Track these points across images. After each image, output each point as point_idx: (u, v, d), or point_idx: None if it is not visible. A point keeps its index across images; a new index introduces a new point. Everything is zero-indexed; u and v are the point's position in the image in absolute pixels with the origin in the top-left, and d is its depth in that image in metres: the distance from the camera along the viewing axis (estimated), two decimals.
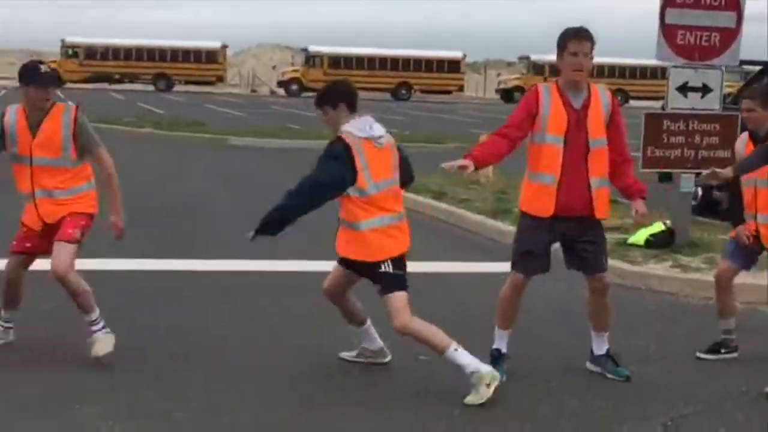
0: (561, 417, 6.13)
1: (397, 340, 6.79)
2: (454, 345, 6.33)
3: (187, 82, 72.24)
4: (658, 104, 67.33)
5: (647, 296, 9.71)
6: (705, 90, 11.07)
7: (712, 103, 11.16)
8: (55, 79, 7.01)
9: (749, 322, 8.36)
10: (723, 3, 10.95)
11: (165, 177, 18.44)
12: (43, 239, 6.91)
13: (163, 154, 22.98)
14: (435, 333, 6.40)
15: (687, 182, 11.34)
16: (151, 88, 69.87)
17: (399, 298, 6.45)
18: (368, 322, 7.08)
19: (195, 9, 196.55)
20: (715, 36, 11.01)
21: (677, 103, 11.11)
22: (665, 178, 13.48)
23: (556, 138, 6.63)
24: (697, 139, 11.14)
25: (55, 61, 70.52)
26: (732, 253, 7.55)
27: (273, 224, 6.46)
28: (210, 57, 72.28)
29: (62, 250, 6.71)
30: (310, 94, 69.21)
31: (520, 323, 7.03)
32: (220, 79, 74.01)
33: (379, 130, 6.56)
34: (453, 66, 72.31)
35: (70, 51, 70.22)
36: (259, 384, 6.55)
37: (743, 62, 12.74)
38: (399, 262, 6.50)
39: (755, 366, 7.30)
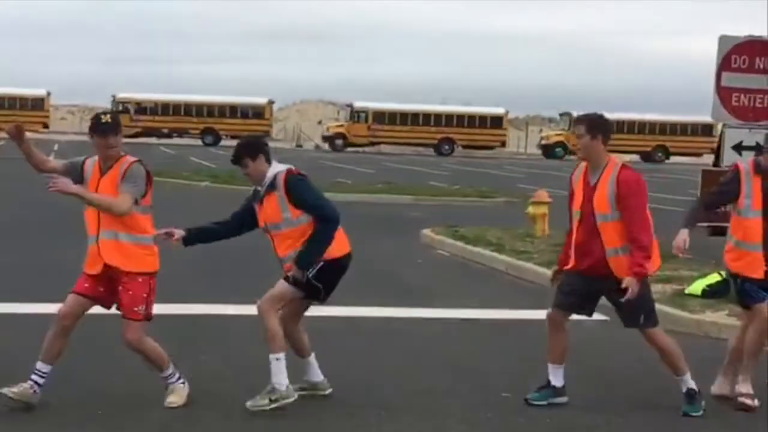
0: None
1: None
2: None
3: (234, 137, 73.47)
4: (698, 161, 68.18)
5: (704, 342, 10.28)
6: (758, 148, 11.70)
7: None
8: (114, 127, 7.17)
9: None
10: None
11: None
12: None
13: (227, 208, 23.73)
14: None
15: None
16: (198, 142, 71.24)
17: None
18: (312, 355, 7.70)
19: (239, 65, 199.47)
20: None
21: (732, 160, 11.75)
22: (717, 233, 14.08)
23: (574, 212, 7.54)
24: None
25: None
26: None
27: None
28: (256, 112, 73.68)
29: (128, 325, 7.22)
30: (354, 149, 70.45)
31: None
32: (267, 133, 75.27)
33: None
34: (496, 122, 73.21)
35: (121, 107, 71.77)
36: None
37: None
38: None
39: None
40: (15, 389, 7.06)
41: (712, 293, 11.75)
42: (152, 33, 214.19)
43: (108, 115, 7.28)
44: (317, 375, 7.73)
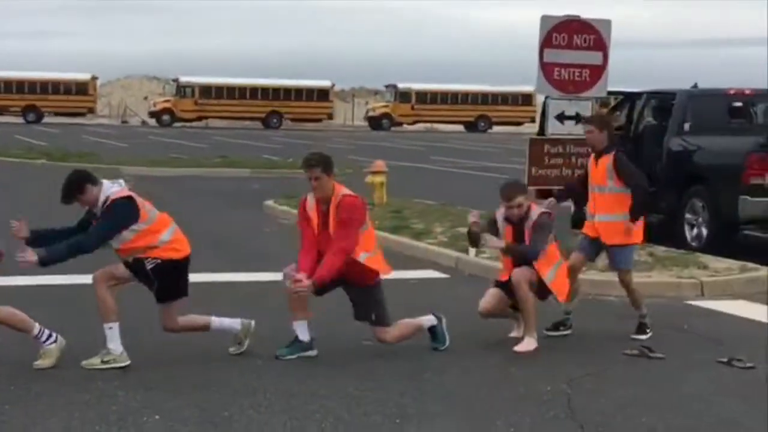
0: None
1: None
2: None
3: (57, 114, 72.24)
4: (518, 129, 70.70)
5: None
6: (578, 118, 12.93)
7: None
8: None
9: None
10: (591, 44, 12.86)
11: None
12: None
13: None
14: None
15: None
16: (20, 120, 69.68)
17: None
18: (212, 319, 8.46)
19: (58, 40, 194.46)
20: (586, 72, 12.91)
21: (556, 129, 12.95)
22: (541, 196, 15.36)
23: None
24: (573, 160, 12.96)
25: None
26: (581, 247, 9.50)
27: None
28: (80, 89, 72.45)
29: None
30: (182, 124, 70.23)
31: None
32: (91, 110, 74.22)
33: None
34: (322, 95, 74.12)
35: None
36: None
37: (610, 92, 14.71)
38: None
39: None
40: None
41: None
42: None
43: None
44: (233, 327, 8.45)
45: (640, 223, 9.42)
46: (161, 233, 8.05)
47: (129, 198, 7.96)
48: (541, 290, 8.91)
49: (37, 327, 7.96)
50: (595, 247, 9.53)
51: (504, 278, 9.06)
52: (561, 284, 8.98)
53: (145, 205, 8.06)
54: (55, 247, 7.83)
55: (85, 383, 7.48)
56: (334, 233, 8.22)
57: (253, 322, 8.53)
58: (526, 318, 8.90)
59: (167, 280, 8.08)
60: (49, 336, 7.96)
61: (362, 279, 8.39)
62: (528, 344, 8.79)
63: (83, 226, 8.11)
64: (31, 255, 7.71)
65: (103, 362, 7.87)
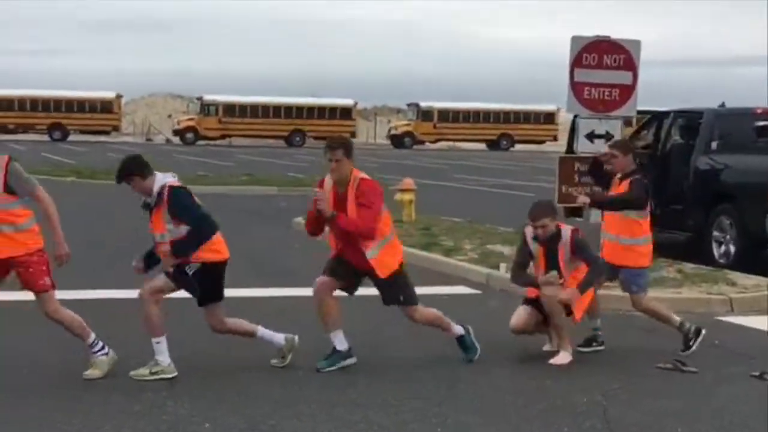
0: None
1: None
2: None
3: (82, 132, 72.88)
4: (540, 148, 70.86)
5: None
6: (608, 137, 13.11)
7: None
8: None
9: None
10: (621, 64, 13.05)
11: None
12: None
13: (105, 203, 24.26)
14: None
15: (596, 215, 13.32)
16: (45, 138, 70.31)
17: None
18: (259, 328, 8.67)
19: (81, 58, 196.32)
20: (616, 91, 13.10)
21: (585, 147, 13.13)
22: (571, 214, 15.59)
23: None
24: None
25: None
26: None
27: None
28: (105, 107, 73.10)
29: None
30: (205, 142, 70.69)
31: None
32: (116, 128, 74.86)
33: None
34: (345, 113, 74.53)
35: None
36: None
37: (639, 112, 14.90)
38: None
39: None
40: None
41: None
42: None
43: None
44: (278, 340, 8.64)
45: (649, 246, 9.65)
46: None
47: (185, 187, 8.29)
48: (568, 307, 9.10)
49: (92, 336, 8.20)
50: (612, 267, 9.66)
51: (532, 294, 9.24)
52: (582, 302, 9.13)
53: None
54: (178, 246, 8.10)
55: (135, 393, 7.70)
56: (358, 215, 8.40)
57: (297, 337, 8.72)
58: (559, 332, 9.09)
59: (207, 283, 8.27)
60: (102, 347, 8.20)
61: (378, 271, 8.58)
62: (563, 357, 8.97)
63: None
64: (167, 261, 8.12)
65: (151, 373, 8.09)
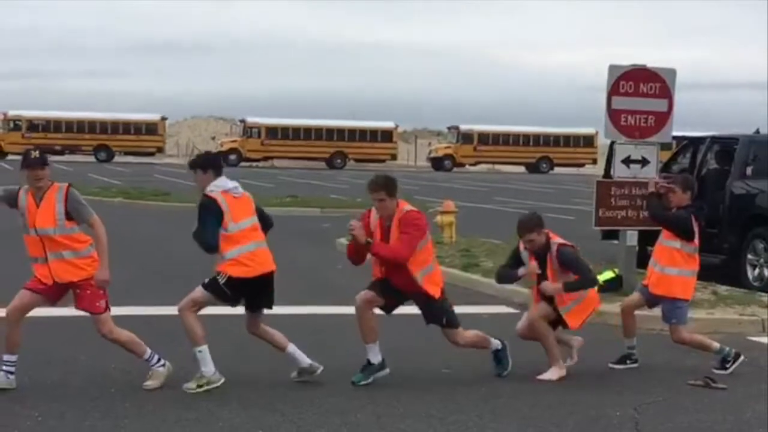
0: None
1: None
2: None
3: (127, 153, 74.00)
4: (579, 171, 70.97)
5: (603, 329, 11.97)
6: (644, 162, 13.50)
7: (650, 173, 13.58)
8: (41, 161, 8.23)
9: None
10: (657, 92, 13.47)
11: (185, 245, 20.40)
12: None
13: (153, 223, 24.88)
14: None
15: (632, 238, 13.71)
16: (91, 159, 71.43)
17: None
18: (290, 346, 9.01)
19: (129, 81, 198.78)
20: (652, 118, 13.50)
21: (622, 172, 13.52)
22: (607, 237, 15.98)
23: None
24: (639, 202, 13.49)
25: None
26: (641, 290, 10.07)
27: None
28: (150, 129, 74.20)
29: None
30: (248, 163, 71.47)
31: None
32: (160, 149, 75.90)
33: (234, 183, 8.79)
34: (386, 135, 75.14)
35: (12, 124, 71.55)
36: None
37: (675, 137, 15.29)
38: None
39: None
40: None
41: (607, 288, 13.48)
42: (30, 48, 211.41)
43: (36, 151, 8.35)
44: (303, 361, 9.01)
45: (692, 280, 9.93)
46: (235, 247, 8.58)
47: (211, 199, 8.58)
48: (558, 321, 9.49)
49: (148, 351, 8.70)
50: (648, 294, 9.97)
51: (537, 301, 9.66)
52: (575, 314, 9.45)
53: (233, 214, 8.59)
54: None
55: (192, 402, 8.20)
56: (394, 242, 8.84)
57: (321, 368, 9.04)
58: (548, 350, 9.47)
59: (241, 293, 8.66)
60: (158, 360, 8.70)
61: (425, 295, 9.00)
62: (552, 373, 9.38)
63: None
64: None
65: (198, 386, 8.52)
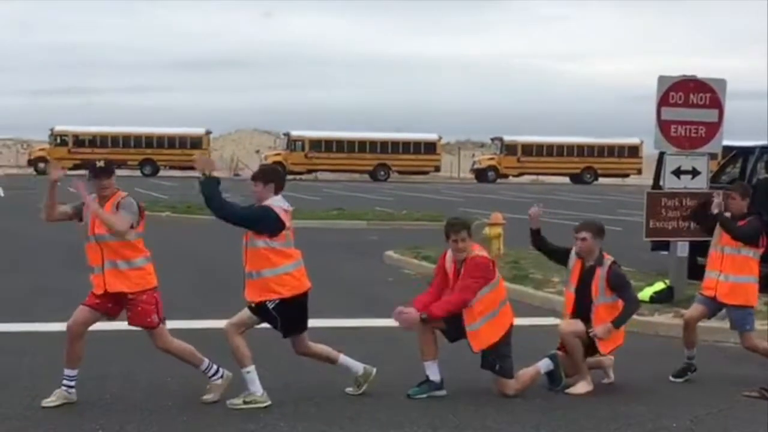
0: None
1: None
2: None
3: (173, 168, 74.51)
4: (624, 181, 70.53)
5: (655, 340, 11.98)
6: (694, 173, 13.48)
7: (700, 183, 13.57)
8: (107, 171, 8.44)
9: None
10: (707, 102, 13.44)
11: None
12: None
13: (201, 236, 25.09)
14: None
15: (682, 249, 13.68)
16: (137, 173, 72.04)
17: None
18: (341, 357, 9.11)
19: (169, 95, 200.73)
20: (702, 129, 13.48)
21: (672, 183, 13.51)
22: (657, 248, 15.94)
23: None
24: (689, 213, 13.46)
25: (43, 149, 73.11)
26: (701, 301, 9.99)
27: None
28: (194, 143, 74.68)
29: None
30: (292, 176, 71.76)
31: None
32: None
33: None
34: (429, 147, 75.12)
35: (59, 139, 72.33)
36: None
37: (725, 148, 15.25)
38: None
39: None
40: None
41: (658, 299, 13.48)
42: (79, 64, 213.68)
43: (102, 162, 8.59)
44: (357, 368, 9.09)
45: (757, 286, 9.90)
46: (290, 261, 8.66)
47: (269, 209, 8.60)
48: (591, 346, 9.42)
49: (206, 362, 8.81)
50: (713, 304, 9.97)
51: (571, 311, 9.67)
52: (614, 339, 9.40)
53: (287, 231, 8.66)
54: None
55: (250, 415, 8.29)
56: (458, 283, 8.93)
57: (375, 370, 9.14)
58: (576, 364, 9.44)
59: (288, 316, 8.68)
60: (216, 371, 8.80)
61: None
62: (580, 387, 9.36)
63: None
64: None
65: (245, 402, 8.56)
